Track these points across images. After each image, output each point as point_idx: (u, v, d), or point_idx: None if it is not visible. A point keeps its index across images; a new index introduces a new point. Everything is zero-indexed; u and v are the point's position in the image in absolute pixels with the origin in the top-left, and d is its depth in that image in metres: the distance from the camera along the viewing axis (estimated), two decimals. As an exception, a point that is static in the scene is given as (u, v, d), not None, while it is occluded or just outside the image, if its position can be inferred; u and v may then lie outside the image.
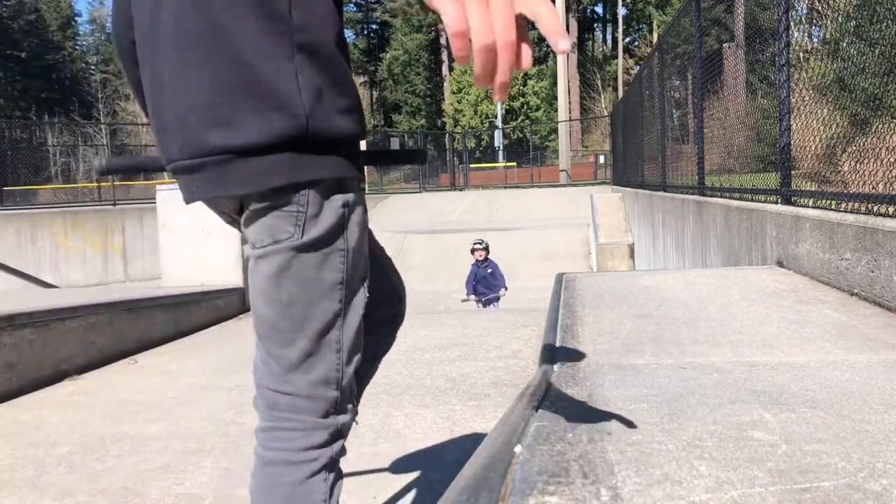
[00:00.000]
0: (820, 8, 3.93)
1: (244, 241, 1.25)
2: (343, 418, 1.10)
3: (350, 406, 1.12)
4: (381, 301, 1.30)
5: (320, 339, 1.05)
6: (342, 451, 1.10)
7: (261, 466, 1.09)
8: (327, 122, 0.98)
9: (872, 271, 2.56)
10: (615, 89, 41.48)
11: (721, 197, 5.37)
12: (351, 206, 1.04)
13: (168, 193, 5.60)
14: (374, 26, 56.19)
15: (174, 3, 0.99)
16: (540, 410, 1.38)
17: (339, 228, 1.03)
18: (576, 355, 1.97)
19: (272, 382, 1.07)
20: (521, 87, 41.55)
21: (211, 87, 0.97)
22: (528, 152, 32.90)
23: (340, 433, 1.10)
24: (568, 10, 33.14)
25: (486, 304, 8.40)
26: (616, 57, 42.90)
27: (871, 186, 2.89)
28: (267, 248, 1.02)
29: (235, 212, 1.07)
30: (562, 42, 0.67)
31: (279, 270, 1.02)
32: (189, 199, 1.08)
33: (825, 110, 3.51)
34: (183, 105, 1.00)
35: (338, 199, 1.02)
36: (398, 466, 2.27)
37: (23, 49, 49.68)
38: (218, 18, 0.96)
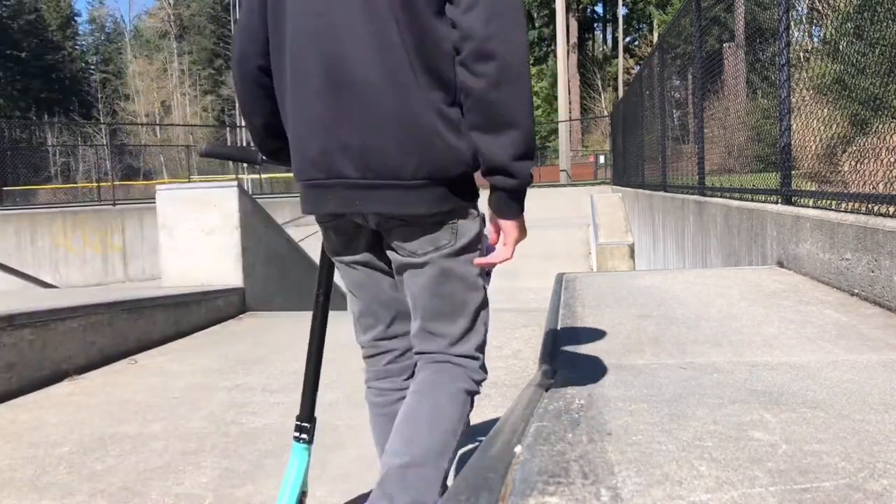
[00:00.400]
0: (820, 7, 3.93)
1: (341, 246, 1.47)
2: (484, 376, 1.40)
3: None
4: None
5: (475, 318, 1.38)
6: (472, 406, 1.40)
7: (431, 374, 1.37)
8: (476, 164, 1.28)
9: (873, 271, 2.56)
10: (615, 89, 41.47)
11: (721, 197, 5.37)
12: (482, 218, 1.37)
13: (168, 193, 5.59)
14: (374, 26, 56.16)
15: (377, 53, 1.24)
16: (540, 410, 1.38)
17: (478, 235, 1.35)
18: (576, 355, 1.97)
19: (436, 348, 1.38)
20: (521, 87, 41.43)
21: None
22: (528, 152, 32.82)
23: (478, 390, 1.39)
24: (568, 9, 33.13)
25: None
26: (616, 57, 42.90)
27: (871, 186, 2.89)
28: (430, 255, 1.32)
29: (379, 224, 1.33)
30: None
31: (443, 271, 1.33)
32: (350, 211, 1.32)
33: (825, 110, 3.51)
34: (381, 137, 1.25)
35: (475, 213, 1.35)
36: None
37: (22, 49, 49.67)
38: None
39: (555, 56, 32.55)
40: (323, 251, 1.56)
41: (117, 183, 18.24)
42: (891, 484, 0.98)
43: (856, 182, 3.13)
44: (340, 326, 4.83)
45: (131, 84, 51.78)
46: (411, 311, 1.41)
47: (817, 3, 3.99)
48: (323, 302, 1.65)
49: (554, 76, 34.22)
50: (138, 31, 60.06)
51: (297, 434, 1.68)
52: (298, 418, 1.67)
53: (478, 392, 1.40)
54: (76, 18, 60.19)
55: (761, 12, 4.75)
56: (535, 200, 19.20)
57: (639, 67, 25.25)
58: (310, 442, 1.69)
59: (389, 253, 1.38)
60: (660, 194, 8.82)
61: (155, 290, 5.21)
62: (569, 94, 31.75)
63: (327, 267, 1.63)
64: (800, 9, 3.90)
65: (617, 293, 3.10)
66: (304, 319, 5.56)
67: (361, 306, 1.50)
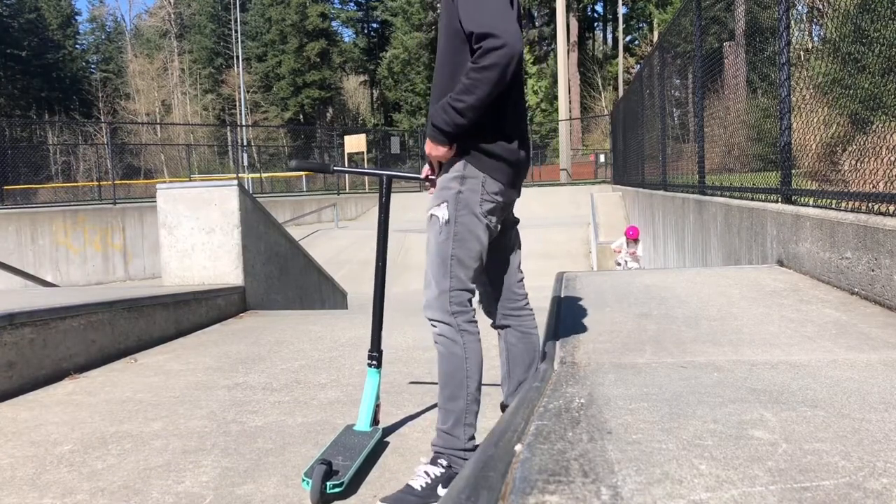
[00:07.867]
0: (821, 6, 3.93)
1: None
2: None
3: None
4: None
5: None
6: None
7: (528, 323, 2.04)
8: None
9: (873, 270, 2.55)
10: (615, 88, 41.43)
11: (721, 196, 5.37)
12: None
13: (168, 192, 5.58)
14: (374, 25, 56.17)
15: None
16: (540, 409, 1.38)
17: None
18: (576, 354, 1.97)
19: (522, 296, 2.05)
20: (522, 86, 41.34)
21: None
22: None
23: None
24: (568, 9, 33.09)
25: None
26: (616, 56, 42.85)
27: (871, 185, 2.89)
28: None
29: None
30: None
31: None
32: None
33: (825, 109, 3.50)
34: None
35: None
36: (398, 466, 2.27)
37: (23, 48, 49.64)
38: None
39: (555, 55, 32.55)
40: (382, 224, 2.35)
41: (118, 182, 18.25)
42: (891, 483, 0.98)
43: (856, 181, 3.13)
44: (340, 327, 4.83)
45: (131, 83, 51.73)
46: (510, 265, 2.08)
47: (818, 2, 3.99)
48: (381, 265, 2.35)
49: (554, 75, 34.19)
50: (138, 30, 60.03)
51: (370, 361, 2.33)
52: (370, 350, 2.33)
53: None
54: (76, 17, 60.11)
55: (761, 11, 4.75)
56: (536, 199, 19.26)
57: (639, 66, 25.22)
58: (379, 366, 2.34)
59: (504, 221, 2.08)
60: (660, 193, 8.82)
61: (155, 288, 5.22)
62: (569, 93, 31.74)
63: (384, 238, 2.36)
64: (800, 7, 3.89)
65: (617, 292, 3.10)
66: (305, 318, 5.54)
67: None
